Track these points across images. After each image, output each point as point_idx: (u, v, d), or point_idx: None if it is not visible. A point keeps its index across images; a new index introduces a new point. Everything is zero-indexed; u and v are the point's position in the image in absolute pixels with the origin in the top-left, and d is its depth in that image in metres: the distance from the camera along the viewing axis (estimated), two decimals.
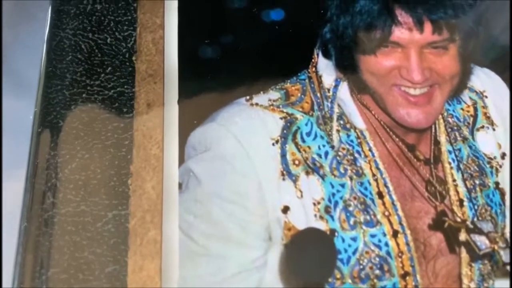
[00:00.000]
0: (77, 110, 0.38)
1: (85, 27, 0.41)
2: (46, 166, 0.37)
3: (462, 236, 0.35)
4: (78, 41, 0.40)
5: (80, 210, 0.35)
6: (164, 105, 0.38)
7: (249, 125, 0.37)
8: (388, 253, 0.35)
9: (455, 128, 0.39)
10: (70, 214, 0.35)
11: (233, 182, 0.36)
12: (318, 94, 0.39)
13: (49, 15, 0.42)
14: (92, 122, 0.38)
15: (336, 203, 0.36)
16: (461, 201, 0.37)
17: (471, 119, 0.40)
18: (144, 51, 0.40)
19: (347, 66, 0.39)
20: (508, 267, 0.35)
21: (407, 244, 0.35)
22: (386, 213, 0.36)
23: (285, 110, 0.38)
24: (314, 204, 0.36)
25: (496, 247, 0.35)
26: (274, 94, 0.39)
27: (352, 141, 0.38)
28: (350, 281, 0.34)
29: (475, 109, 0.40)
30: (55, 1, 0.42)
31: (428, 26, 0.39)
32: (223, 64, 0.40)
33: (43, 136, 0.38)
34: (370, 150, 0.38)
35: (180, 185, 0.36)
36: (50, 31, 0.41)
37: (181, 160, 0.37)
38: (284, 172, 0.36)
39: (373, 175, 0.37)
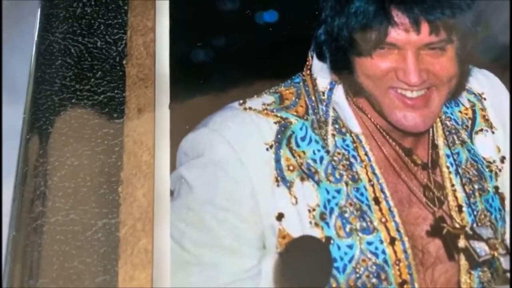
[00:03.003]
0: (67, 115, 0.37)
1: (74, 30, 0.40)
2: (35, 173, 0.36)
3: (461, 243, 0.35)
4: (67, 45, 0.40)
5: (69, 218, 0.34)
6: (155, 110, 0.37)
7: (242, 130, 0.37)
8: (385, 261, 0.34)
9: (453, 131, 0.38)
10: (59, 223, 0.34)
11: (226, 188, 0.35)
12: (313, 98, 0.38)
13: (38, 18, 0.41)
14: (82, 128, 0.37)
15: (331, 210, 0.35)
16: (460, 207, 0.36)
17: (470, 122, 0.39)
18: (135, 55, 0.39)
19: (342, 69, 0.39)
20: (508, 274, 0.34)
21: (405, 251, 0.34)
22: (383, 220, 0.35)
23: (279, 114, 0.37)
24: (309, 211, 0.35)
25: (496, 254, 0.34)
26: (268, 98, 0.38)
27: (347, 145, 0.37)
28: None
29: (474, 112, 0.39)
30: (45, 4, 0.41)
31: (425, 27, 0.38)
32: (215, 68, 0.39)
33: (31, 143, 0.37)
34: (366, 154, 0.37)
35: (171, 193, 0.35)
36: (39, 34, 0.40)
37: (173, 166, 0.36)
38: (279, 178, 0.35)
39: (370, 180, 0.36)
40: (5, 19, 0.53)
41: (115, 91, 0.38)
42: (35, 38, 0.41)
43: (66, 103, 0.38)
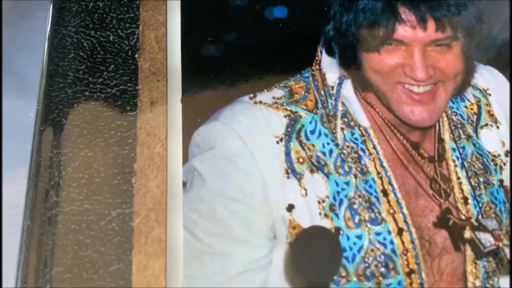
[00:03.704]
0: (80, 108, 0.38)
1: (87, 24, 0.41)
2: (49, 164, 0.36)
3: (467, 234, 0.35)
4: (80, 39, 0.40)
5: (83, 208, 0.35)
6: (168, 103, 0.38)
7: (253, 124, 0.37)
8: (393, 251, 0.35)
9: (459, 126, 0.39)
10: (74, 212, 0.35)
11: (237, 181, 0.36)
12: (322, 92, 0.39)
13: (51, 12, 0.42)
14: (95, 120, 0.38)
15: (341, 201, 0.36)
16: (465, 199, 0.37)
17: (475, 117, 0.40)
18: (147, 49, 0.40)
19: (351, 64, 0.39)
20: None
21: (412, 242, 0.35)
22: (391, 211, 0.36)
23: (289, 108, 0.38)
24: (319, 202, 0.35)
25: (501, 245, 0.35)
26: (277, 92, 0.39)
27: (356, 139, 0.38)
28: (355, 279, 0.34)
29: (479, 107, 0.40)
30: None
31: (431, 24, 0.39)
32: (226, 62, 0.40)
33: (45, 134, 0.37)
34: (374, 148, 0.37)
35: (184, 184, 0.36)
36: (51, 28, 0.41)
37: (185, 158, 0.36)
38: (289, 170, 0.36)
39: (378, 173, 0.37)
40: (15, 16, 0.54)
41: (128, 84, 0.39)
42: (48, 32, 0.41)
43: (79, 96, 0.38)
